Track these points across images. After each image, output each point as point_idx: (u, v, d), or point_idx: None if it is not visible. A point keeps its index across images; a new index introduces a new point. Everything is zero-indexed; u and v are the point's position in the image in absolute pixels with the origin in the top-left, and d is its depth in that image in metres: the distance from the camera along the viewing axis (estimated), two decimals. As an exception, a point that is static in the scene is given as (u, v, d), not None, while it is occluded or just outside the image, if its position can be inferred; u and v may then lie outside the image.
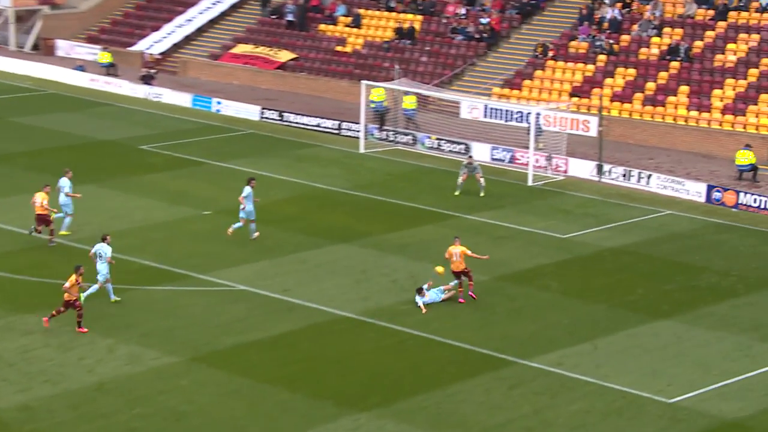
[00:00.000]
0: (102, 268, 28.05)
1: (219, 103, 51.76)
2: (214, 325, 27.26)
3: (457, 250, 28.94)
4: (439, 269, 28.90)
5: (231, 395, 23.72)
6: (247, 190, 32.91)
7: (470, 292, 28.90)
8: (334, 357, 25.61)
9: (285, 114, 49.53)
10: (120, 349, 25.84)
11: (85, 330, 26.25)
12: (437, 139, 45.19)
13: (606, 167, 41.23)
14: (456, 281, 28.80)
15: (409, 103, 46.83)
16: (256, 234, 32.78)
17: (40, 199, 32.34)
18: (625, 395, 23.94)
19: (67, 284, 26.26)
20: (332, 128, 47.98)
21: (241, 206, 32.85)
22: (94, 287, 28.10)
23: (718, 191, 38.48)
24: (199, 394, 23.76)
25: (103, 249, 28.20)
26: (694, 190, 38.98)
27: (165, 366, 24.98)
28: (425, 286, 28.56)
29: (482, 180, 38.15)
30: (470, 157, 38.95)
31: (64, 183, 33.48)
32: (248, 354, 25.69)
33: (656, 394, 23.95)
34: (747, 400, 23.79)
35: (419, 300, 28.21)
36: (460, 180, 38.43)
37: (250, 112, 50.51)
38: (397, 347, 26.23)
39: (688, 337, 27.07)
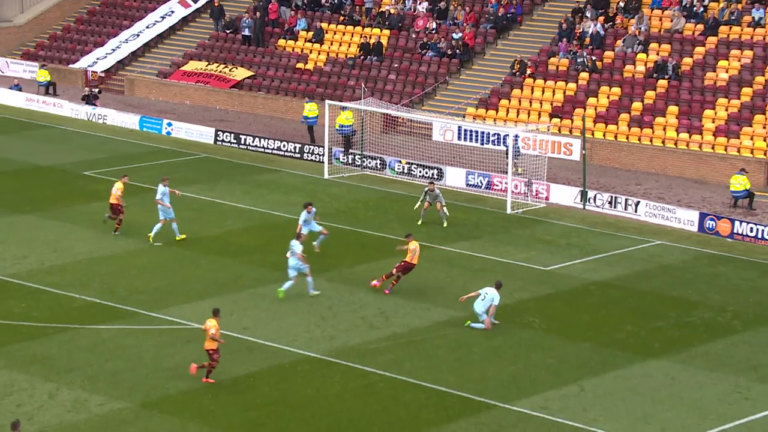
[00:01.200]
0: (294, 262, 30.97)
1: (169, 125, 51.67)
2: (165, 368, 27.06)
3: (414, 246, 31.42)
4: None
5: (185, 444, 23.53)
6: (304, 215, 33.80)
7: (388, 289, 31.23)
8: (298, 401, 25.49)
9: (242, 136, 49.53)
10: (62, 394, 25.58)
11: (212, 381, 26.00)
12: (407, 163, 45.34)
13: (590, 194, 41.53)
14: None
15: (345, 119, 47.00)
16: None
17: (116, 188, 36.09)
18: (615, 441, 24.00)
19: (213, 330, 25.72)
20: (294, 152, 48.02)
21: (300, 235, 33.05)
22: (288, 283, 30.48)
23: (711, 220, 38.84)
24: (149, 444, 23.55)
25: (295, 246, 31.12)
26: (686, 219, 39.34)
27: (112, 413, 24.75)
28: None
29: (445, 209, 38.17)
30: (431, 183, 39.01)
31: (161, 190, 35.90)
32: (203, 399, 25.51)
33: (649, 439, 24.03)
34: (746, 446, 23.93)
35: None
36: (420, 207, 38.36)
37: (203, 134, 50.46)
38: (367, 390, 26.17)
39: (682, 378, 27.20)
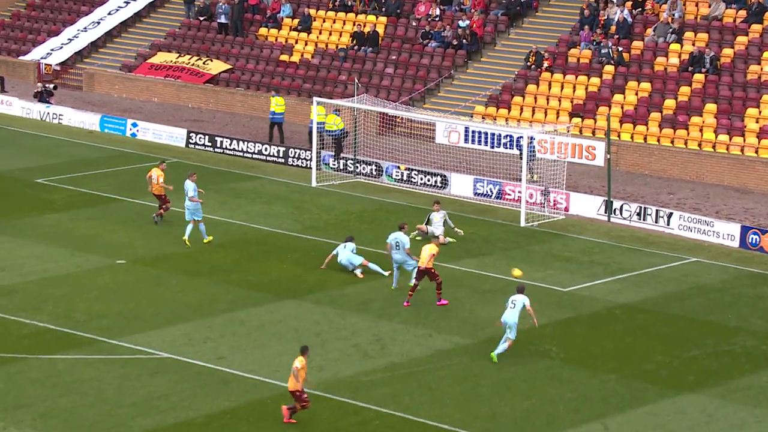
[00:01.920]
0: (398, 256, 33.60)
1: (134, 125, 51.86)
2: (128, 404, 27.16)
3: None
4: (517, 272, 30.68)
5: (151, 491, 23.63)
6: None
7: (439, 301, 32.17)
8: (281, 442, 25.62)
9: (218, 139, 49.72)
10: (11, 434, 25.68)
11: (294, 421, 26.17)
12: (407, 169, 45.53)
13: (616, 204, 41.73)
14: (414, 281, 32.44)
15: (332, 124, 47.20)
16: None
17: (156, 176, 39.19)
18: (644, 487, 24.13)
19: (299, 365, 25.88)
20: (277, 156, 48.22)
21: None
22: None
23: (755, 234, 39.03)
24: (111, 490, 23.64)
25: (402, 238, 33.58)
26: (726, 233, 39.52)
27: (68, 455, 24.83)
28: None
29: (448, 239, 38.26)
30: (437, 203, 39.00)
31: (189, 186, 37.89)
32: (173, 439, 25.64)
33: (682, 485, 24.19)
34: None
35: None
36: (419, 232, 38.47)
37: (174, 136, 50.64)
38: (360, 428, 26.28)
39: (721, 416, 27.33)
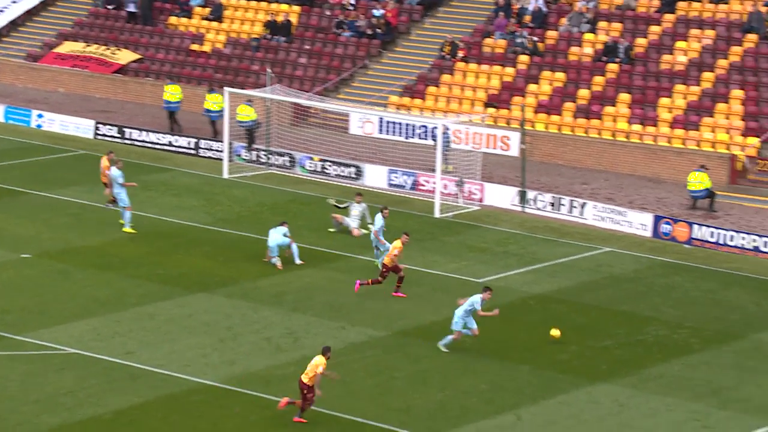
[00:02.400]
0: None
1: (40, 116, 51.28)
2: (33, 400, 26.91)
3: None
4: (555, 333, 29.59)
5: (58, 489, 23.47)
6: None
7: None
8: (192, 437, 25.55)
9: (127, 130, 49.33)
10: None
11: (305, 420, 25.93)
12: (320, 160, 45.54)
13: (530, 194, 42.11)
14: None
15: (244, 115, 47.11)
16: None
17: (103, 165, 39.47)
18: (557, 477, 24.43)
19: (321, 368, 25.67)
20: (188, 147, 47.97)
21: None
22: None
23: (667, 223, 39.63)
24: (16, 489, 23.43)
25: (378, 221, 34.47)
26: (639, 222, 40.07)
27: (-29, 454, 24.58)
28: None
29: (363, 231, 38.35)
30: (360, 195, 39.17)
31: (115, 174, 38.07)
32: (80, 436, 25.47)
33: (594, 474, 24.51)
34: (704, 480, 24.51)
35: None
36: (333, 222, 38.64)
37: (81, 127, 50.17)
38: (272, 423, 26.29)
39: (632, 405, 27.73)
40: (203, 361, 29.09)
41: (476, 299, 29.52)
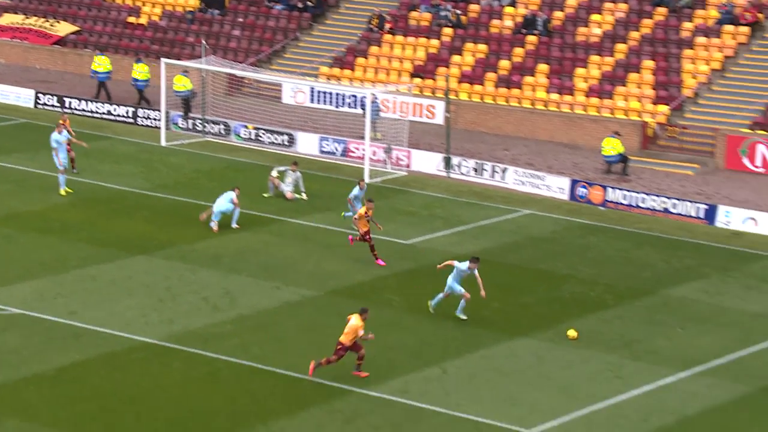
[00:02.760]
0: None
1: (-18, 86, 50.63)
2: (-19, 359, 26.81)
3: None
4: (572, 333, 29.04)
5: (5, 444, 23.43)
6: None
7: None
8: (133, 393, 25.55)
9: (66, 99, 48.91)
10: None
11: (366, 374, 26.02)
12: (254, 128, 45.50)
13: (455, 160, 42.41)
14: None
15: (180, 85, 46.88)
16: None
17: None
18: (480, 426, 24.79)
19: (353, 323, 25.81)
20: (126, 116, 47.67)
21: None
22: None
23: (583, 187, 40.13)
24: (-36, 444, 23.36)
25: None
26: (556, 186, 40.54)
27: None
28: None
29: (296, 196, 38.52)
30: (296, 164, 39.20)
31: (55, 137, 37.75)
32: (24, 392, 25.35)
33: (514, 423, 24.88)
34: (618, 428, 24.96)
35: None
36: (270, 184, 38.72)
37: (21, 97, 49.64)
38: (210, 378, 26.41)
39: (550, 358, 28.19)
40: (143, 321, 29.10)
41: (462, 266, 29.61)
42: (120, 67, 52.59)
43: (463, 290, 29.57)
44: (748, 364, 28.11)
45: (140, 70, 48.80)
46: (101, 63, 49.42)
